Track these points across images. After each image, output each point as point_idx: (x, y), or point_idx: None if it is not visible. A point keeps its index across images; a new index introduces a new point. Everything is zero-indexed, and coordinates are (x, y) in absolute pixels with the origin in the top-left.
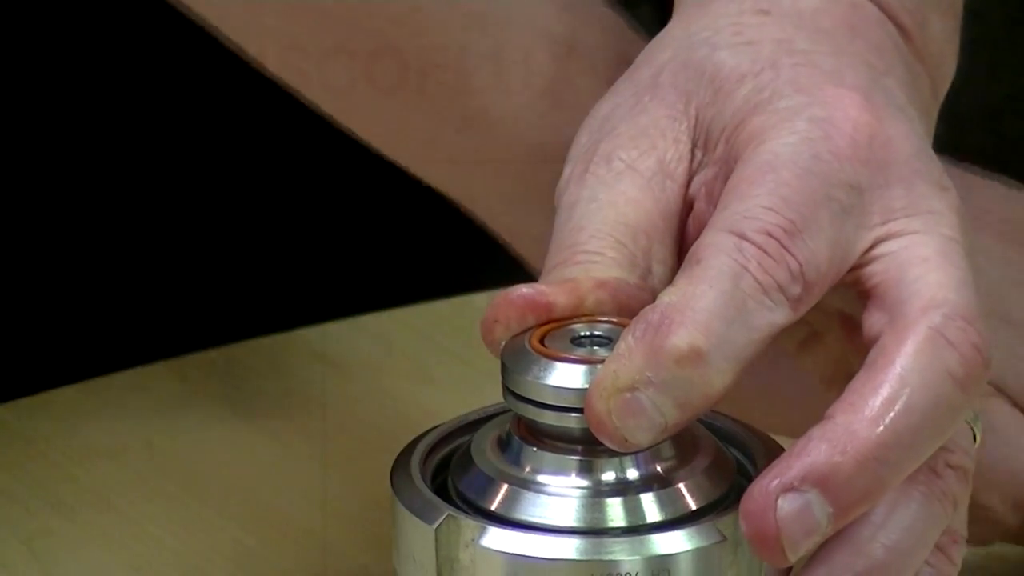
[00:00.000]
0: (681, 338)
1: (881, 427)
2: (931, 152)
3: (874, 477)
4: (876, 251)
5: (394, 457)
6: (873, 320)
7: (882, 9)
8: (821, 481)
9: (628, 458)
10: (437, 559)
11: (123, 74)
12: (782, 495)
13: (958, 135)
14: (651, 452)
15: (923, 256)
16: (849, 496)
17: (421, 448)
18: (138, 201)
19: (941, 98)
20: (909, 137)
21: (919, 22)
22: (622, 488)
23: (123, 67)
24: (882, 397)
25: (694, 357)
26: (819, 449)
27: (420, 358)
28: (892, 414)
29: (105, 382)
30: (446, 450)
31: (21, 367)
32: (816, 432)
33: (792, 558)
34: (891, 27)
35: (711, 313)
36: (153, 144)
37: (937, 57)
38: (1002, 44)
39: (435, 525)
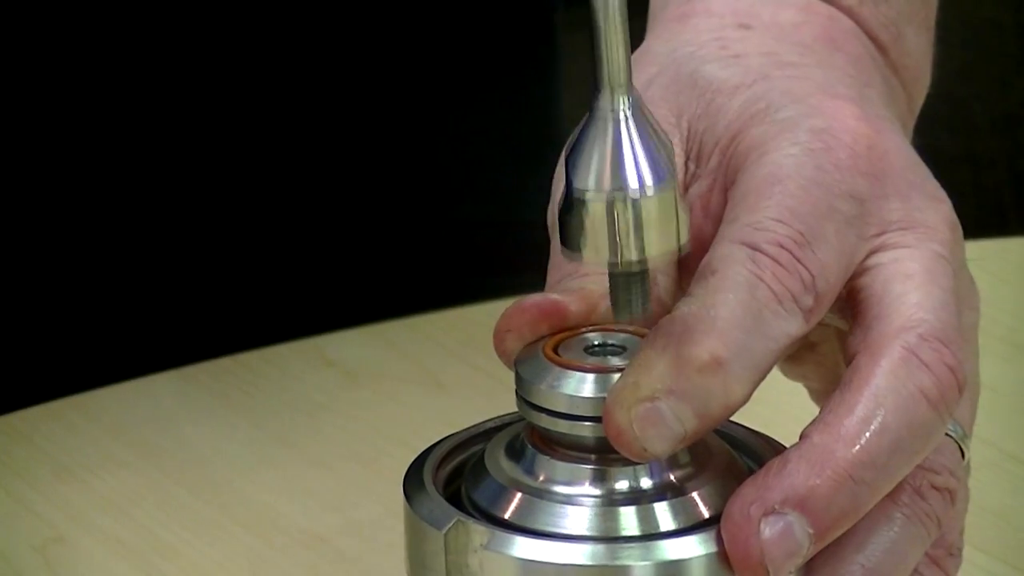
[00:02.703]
0: (703, 347)
1: (857, 447)
2: (923, 164)
3: (851, 497)
4: (868, 262)
5: (407, 464)
6: (853, 337)
7: (858, 23)
8: (801, 503)
9: (641, 467)
10: (447, 564)
11: (125, 76)
12: (764, 518)
13: (972, 143)
14: (664, 461)
15: (908, 272)
16: (828, 517)
17: (434, 456)
18: (152, 210)
19: (917, 111)
20: (903, 148)
21: (894, 36)
22: (635, 497)
23: (125, 69)
24: (857, 417)
25: (715, 366)
26: (798, 471)
27: (433, 366)
28: (867, 434)
29: (118, 389)
30: (460, 458)
31: (33, 375)
32: (794, 453)
33: None
34: (867, 40)
35: (730, 323)
36: (167, 152)
37: (913, 70)
38: (1016, 53)
39: (444, 530)
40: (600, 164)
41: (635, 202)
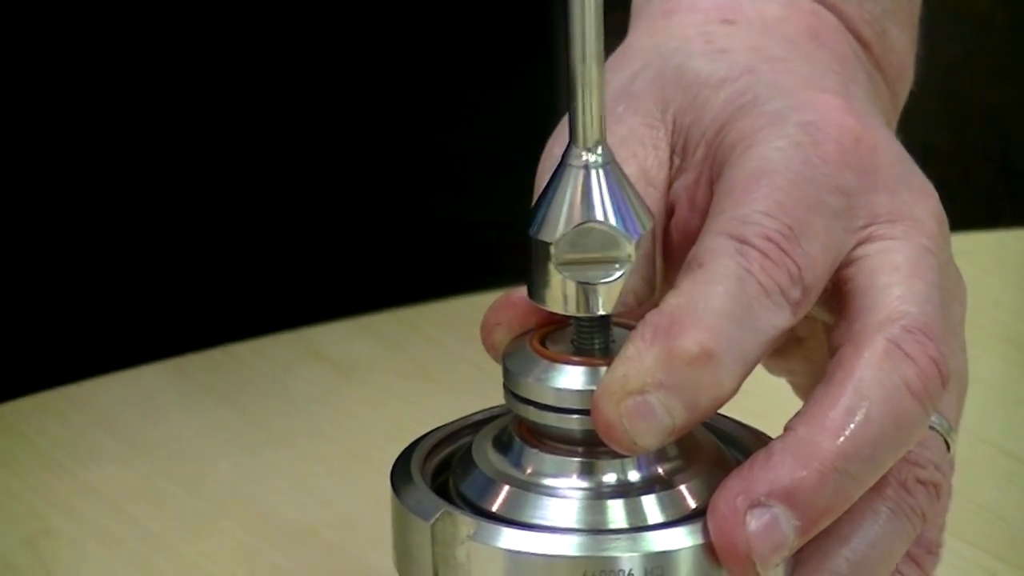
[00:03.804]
0: (691, 339)
1: (841, 439)
2: (910, 158)
3: (837, 489)
4: (855, 253)
5: (395, 457)
6: (837, 329)
7: (841, 20)
8: (787, 496)
9: (629, 460)
10: (433, 556)
11: (123, 74)
12: (749, 510)
13: (964, 137)
14: (653, 454)
15: (894, 265)
16: (814, 509)
17: (422, 448)
18: (144, 203)
19: (900, 108)
20: (890, 143)
21: (878, 32)
22: (623, 490)
23: (123, 67)
24: (842, 409)
25: (704, 358)
26: (783, 463)
27: (421, 358)
28: (852, 426)
29: (107, 381)
30: (447, 451)
31: (24, 367)
32: (778, 445)
33: (763, 573)
34: (851, 37)
35: (719, 314)
36: (161, 145)
37: (897, 67)
38: (1007, 47)
39: (431, 521)
40: (569, 217)
41: None
